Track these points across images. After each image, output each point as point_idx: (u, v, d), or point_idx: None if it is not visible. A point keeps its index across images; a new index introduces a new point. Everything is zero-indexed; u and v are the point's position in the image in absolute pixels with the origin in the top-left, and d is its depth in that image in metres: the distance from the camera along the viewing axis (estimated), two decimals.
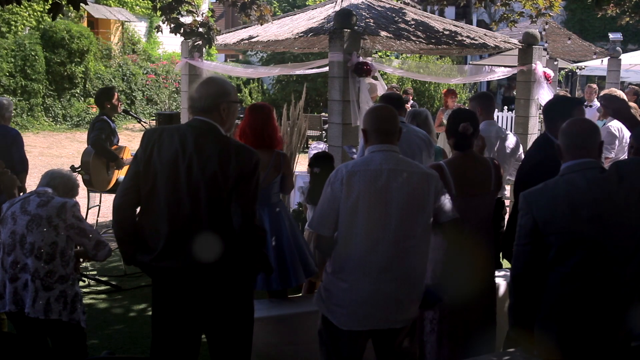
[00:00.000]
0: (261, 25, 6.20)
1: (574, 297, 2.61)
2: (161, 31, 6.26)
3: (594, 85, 10.54)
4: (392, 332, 2.96)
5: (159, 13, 5.93)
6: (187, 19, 6.05)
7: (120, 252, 3.02)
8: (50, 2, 4.07)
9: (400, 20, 6.82)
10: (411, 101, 12.28)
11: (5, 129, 5.39)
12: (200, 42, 6.03)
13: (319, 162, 4.41)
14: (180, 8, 5.81)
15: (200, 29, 5.92)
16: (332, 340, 2.98)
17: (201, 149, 2.77)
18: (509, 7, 7.07)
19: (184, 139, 2.79)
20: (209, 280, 2.80)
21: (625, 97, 6.33)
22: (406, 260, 2.87)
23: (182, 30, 5.93)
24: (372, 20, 6.41)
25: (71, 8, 4.16)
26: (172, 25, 5.86)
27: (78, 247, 3.56)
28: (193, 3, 5.93)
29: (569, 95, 11.16)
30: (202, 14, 6.25)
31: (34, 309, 3.31)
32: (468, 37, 7.00)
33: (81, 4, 4.14)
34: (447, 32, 6.94)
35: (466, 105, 14.82)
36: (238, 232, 2.77)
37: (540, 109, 7.15)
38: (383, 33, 6.20)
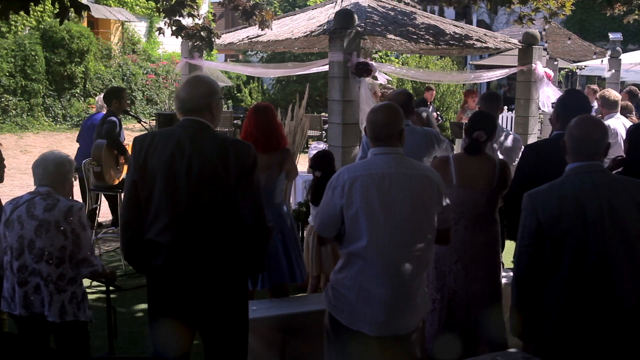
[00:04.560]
0: (262, 30, 6.22)
1: (572, 303, 2.60)
2: (163, 33, 6.31)
3: (594, 86, 10.54)
4: (400, 337, 2.93)
5: (162, 15, 5.95)
6: (188, 21, 6.09)
7: (130, 264, 3.05)
8: (58, 6, 4.08)
9: (401, 20, 6.82)
10: (430, 106, 11.51)
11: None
12: (200, 44, 6.09)
13: (320, 164, 4.43)
14: (182, 11, 5.83)
15: (202, 33, 5.96)
16: (340, 338, 2.97)
17: (199, 148, 2.76)
18: (526, 5, 7.06)
19: (180, 140, 2.78)
20: (212, 280, 2.80)
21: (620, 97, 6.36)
22: (412, 264, 2.83)
23: (183, 33, 5.97)
24: (372, 20, 6.41)
25: (72, 12, 4.18)
26: (174, 28, 5.89)
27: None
28: (194, 6, 5.95)
29: None
30: (202, 17, 6.29)
31: (50, 312, 3.32)
32: (468, 37, 7.00)
33: (83, 10, 4.18)
34: (447, 32, 6.94)
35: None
36: (249, 226, 2.77)
37: (540, 109, 7.15)
38: (386, 34, 6.20)
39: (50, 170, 3.46)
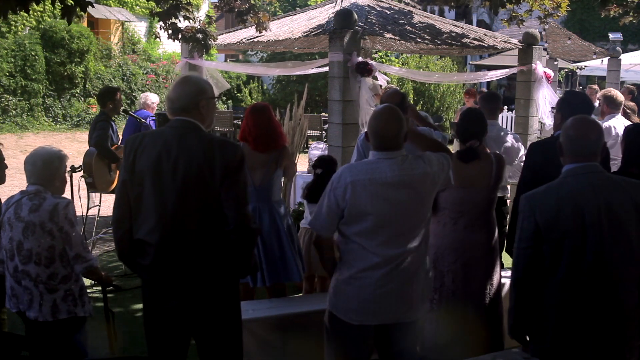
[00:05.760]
0: (259, 32, 6.25)
1: (570, 304, 2.60)
2: (159, 38, 6.33)
3: (595, 86, 10.55)
4: (400, 326, 2.96)
5: (156, 19, 5.97)
6: (185, 23, 6.10)
7: (124, 264, 3.05)
8: (60, 6, 4.07)
9: (402, 20, 6.82)
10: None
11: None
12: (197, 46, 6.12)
13: (323, 164, 4.45)
14: (177, 14, 5.85)
15: (198, 35, 5.98)
16: (339, 336, 2.99)
17: (186, 148, 2.76)
18: (519, 6, 7.06)
19: (167, 141, 2.78)
20: (200, 281, 2.80)
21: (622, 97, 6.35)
22: (414, 258, 2.88)
23: (180, 36, 5.98)
24: (372, 20, 6.41)
25: (78, 10, 4.17)
26: (170, 31, 5.91)
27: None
28: (190, 9, 5.97)
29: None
30: (199, 20, 6.29)
31: (41, 312, 3.31)
32: (468, 37, 7.00)
33: (88, 7, 4.17)
34: (447, 33, 6.94)
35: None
36: (233, 228, 2.76)
37: (540, 108, 7.14)
38: (385, 34, 6.20)
39: (38, 167, 3.38)
